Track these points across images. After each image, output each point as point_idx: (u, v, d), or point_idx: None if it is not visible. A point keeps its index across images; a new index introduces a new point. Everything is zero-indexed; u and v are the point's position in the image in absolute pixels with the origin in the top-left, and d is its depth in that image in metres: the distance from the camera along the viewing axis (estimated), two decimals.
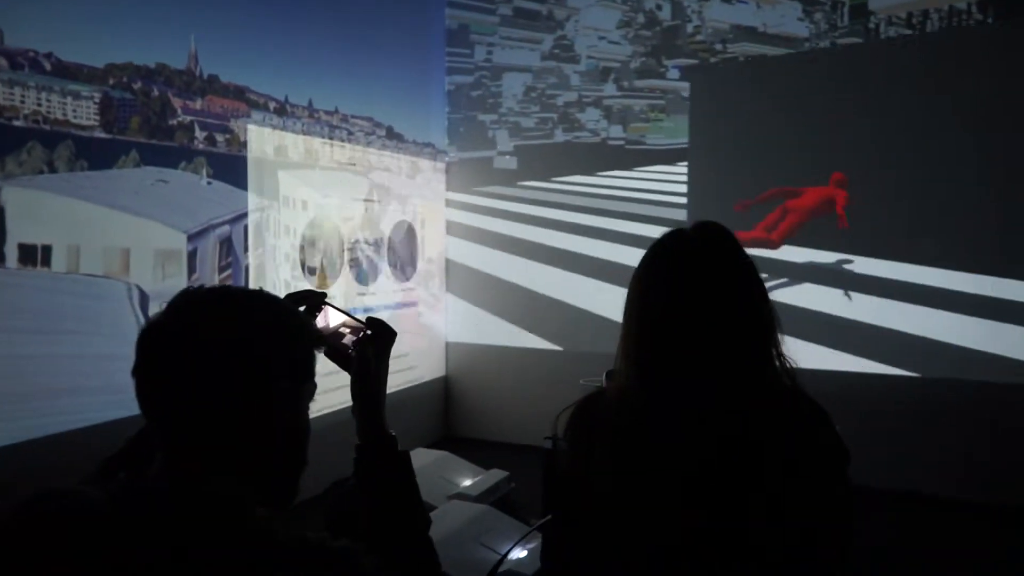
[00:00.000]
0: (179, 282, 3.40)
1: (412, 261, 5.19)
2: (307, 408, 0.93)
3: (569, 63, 5.18)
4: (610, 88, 5.06)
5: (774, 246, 4.48)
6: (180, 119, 3.50)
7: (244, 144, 3.85)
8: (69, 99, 3.02)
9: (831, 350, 4.30)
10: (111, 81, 3.18)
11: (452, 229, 5.51)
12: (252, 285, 3.69)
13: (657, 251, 1.22)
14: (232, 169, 3.77)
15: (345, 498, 1.07)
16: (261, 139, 3.95)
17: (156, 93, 3.39)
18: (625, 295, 1.23)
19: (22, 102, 2.85)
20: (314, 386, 0.93)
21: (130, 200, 3.25)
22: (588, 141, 5.14)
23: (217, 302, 0.88)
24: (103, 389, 3.01)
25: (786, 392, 1.16)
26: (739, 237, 1.21)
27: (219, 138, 3.71)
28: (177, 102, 3.49)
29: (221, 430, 0.84)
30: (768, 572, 1.08)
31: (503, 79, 5.39)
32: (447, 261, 5.50)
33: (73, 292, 3.01)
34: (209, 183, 3.64)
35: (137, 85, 3.30)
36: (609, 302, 4.53)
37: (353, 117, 4.63)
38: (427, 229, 5.33)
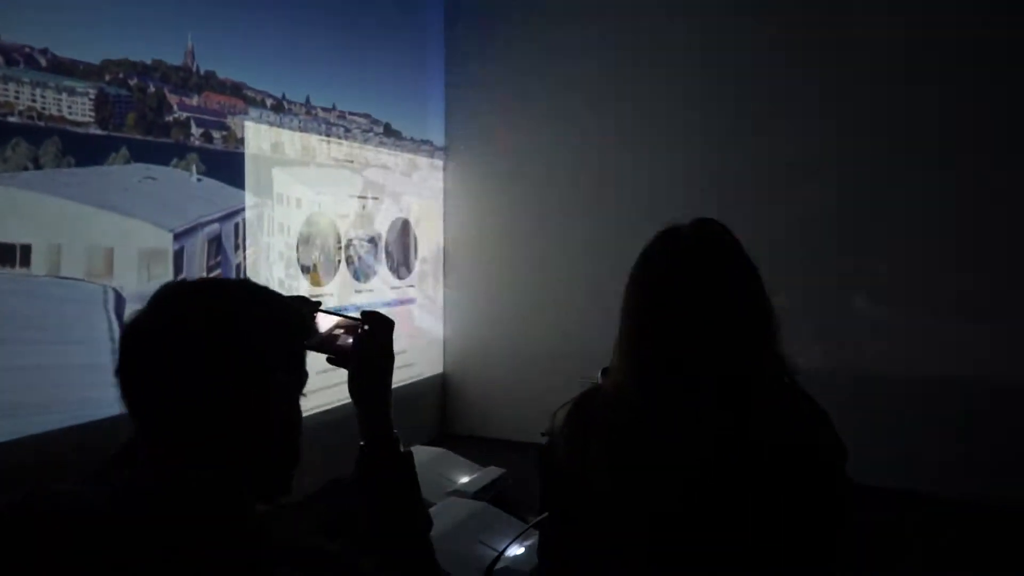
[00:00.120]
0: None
1: (409, 258, 5.18)
2: (299, 398, 0.91)
3: None
4: None
5: None
6: (176, 115, 3.49)
7: (241, 141, 3.84)
8: (64, 95, 3.00)
9: (830, 348, 4.29)
10: (107, 77, 3.17)
11: (449, 226, 5.50)
12: None
13: (654, 247, 1.22)
14: (228, 166, 3.76)
15: (343, 497, 1.05)
16: (258, 136, 3.94)
17: (152, 89, 3.38)
18: (622, 291, 1.22)
19: (16, 98, 2.84)
20: (306, 375, 0.91)
21: (116, 198, 3.17)
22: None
23: (206, 294, 0.86)
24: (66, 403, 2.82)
25: (785, 390, 1.16)
26: None
27: (215, 135, 3.69)
28: (173, 98, 3.48)
29: (217, 426, 0.81)
30: (766, 569, 1.08)
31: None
32: (444, 258, 5.50)
33: (48, 296, 2.89)
34: (199, 180, 3.59)
35: (133, 81, 3.28)
36: (607, 299, 4.52)
37: (351, 114, 4.62)
38: (424, 226, 5.32)
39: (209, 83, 3.67)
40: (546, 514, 1.30)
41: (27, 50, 2.88)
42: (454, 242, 5.48)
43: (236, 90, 3.83)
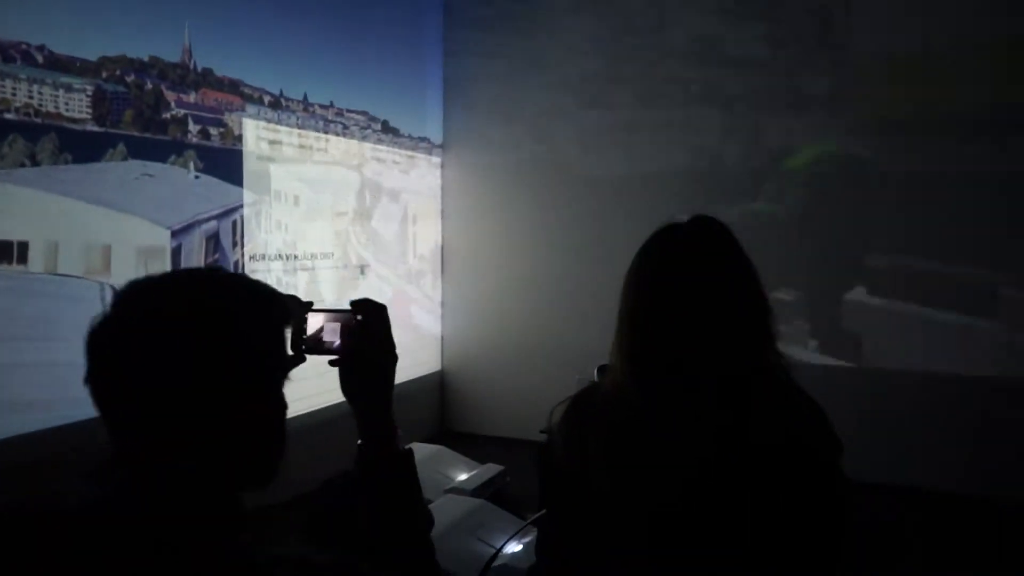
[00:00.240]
0: None
1: (407, 255, 5.18)
2: (282, 383, 0.86)
3: None
4: None
5: None
6: (174, 112, 3.48)
7: (239, 138, 3.83)
8: (61, 92, 3.00)
9: (829, 346, 4.30)
10: (104, 74, 3.16)
11: (447, 223, 5.49)
12: None
13: (652, 245, 1.21)
14: (226, 163, 3.75)
15: (339, 497, 1.03)
16: (256, 133, 3.93)
17: (150, 86, 3.37)
18: (620, 288, 1.22)
19: (13, 95, 2.83)
20: (291, 359, 0.88)
21: (113, 195, 3.17)
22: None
23: (174, 286, 0.82)
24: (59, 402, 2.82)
25: (782, 387, 1.16)
26: None
27: (213, 132, 3.69)
28: (171, 95, 3.47)
29: (201, 421, 0.78)
30: (764, 566, 1.08)
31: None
32: (442, 255, 5.49)
33: (44, 293, 2.88)
34: (197, 177, 3.58)
35: (130, 78, 3.28)
36: (605, 296, 4.52)
37: (348, 111, 4.61)
38: (422, 223, 5.32)
39: (206, 80, 3.66)
40: (544, 511, 1.30)
41: (24, 47, 2.87)
42: (452, 239, 5.48)
43: (233, 87, 3.82)
